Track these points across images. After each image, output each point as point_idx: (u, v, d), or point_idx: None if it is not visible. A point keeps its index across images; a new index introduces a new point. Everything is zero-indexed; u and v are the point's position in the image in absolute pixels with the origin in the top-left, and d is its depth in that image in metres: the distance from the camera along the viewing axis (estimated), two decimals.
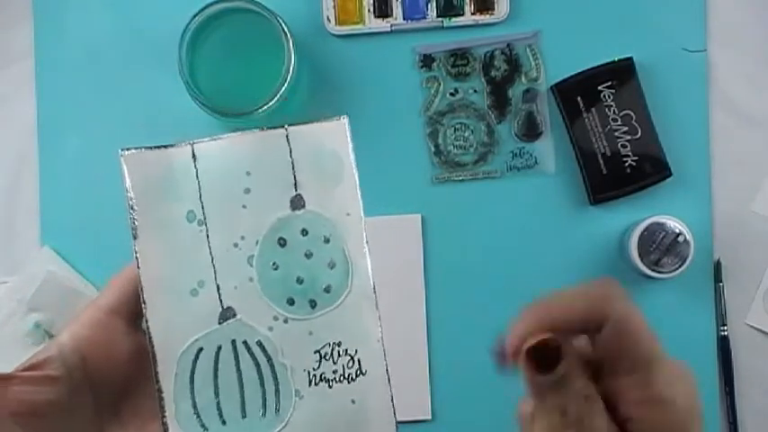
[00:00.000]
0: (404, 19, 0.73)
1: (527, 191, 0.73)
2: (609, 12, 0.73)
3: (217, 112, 0.67)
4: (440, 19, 0.73)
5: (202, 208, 0.43)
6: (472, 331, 0.73)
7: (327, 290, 0.43)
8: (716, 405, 0.72)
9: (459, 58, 0.73)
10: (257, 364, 0.43)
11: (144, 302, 0.42)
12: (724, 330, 0.72)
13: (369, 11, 0.73)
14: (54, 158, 0.75)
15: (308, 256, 0.43)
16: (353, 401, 0.43)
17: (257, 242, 0.43)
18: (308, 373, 0.43)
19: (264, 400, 0.43)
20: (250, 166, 0.43)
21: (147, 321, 0.42)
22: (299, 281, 0.43)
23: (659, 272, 0.68)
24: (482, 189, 0.74)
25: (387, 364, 0.44)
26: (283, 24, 0.67)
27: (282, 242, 0.43)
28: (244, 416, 0.42)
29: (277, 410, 0.43)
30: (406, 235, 0.73)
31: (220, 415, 0.42)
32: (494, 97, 0.73)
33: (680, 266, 0.68)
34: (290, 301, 0.43)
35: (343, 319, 0.43)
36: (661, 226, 0.68)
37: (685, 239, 0.68)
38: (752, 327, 0.73)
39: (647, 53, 0.72)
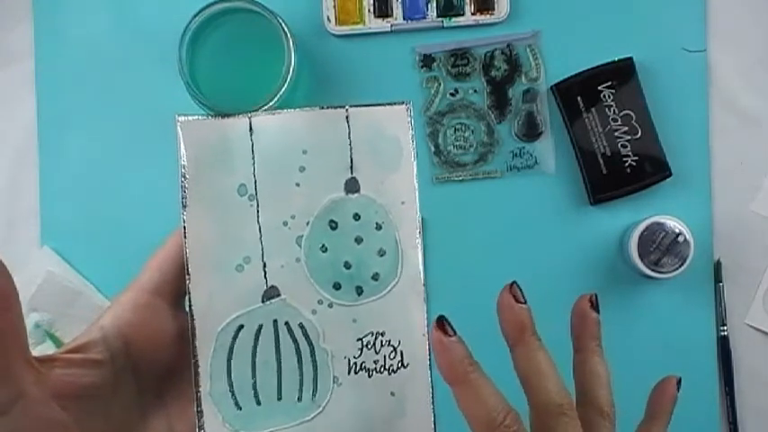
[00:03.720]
0: (404, 19, 0.73)
1: (527, 191, 0.73)
2: (609, 12, 0.73)
3: (217, 113, 0.67)
4: (440, 19, 0.73)
5: (255, 182, 0.42)
6: (472, 331, 0.73)
7: (375, 278, 0.42)
8: (716, 405, 0.72)
9: (459, 58, 0.73)
10: (298, 347, 0.42)
11: (188, 273, 0.41)
12: (724, 330, 0.72)
13: (369, 11, 0.73)
14: (54, 158, 0.75)
15: (359, 241, 0.42)
16: (393, 394, 0.42)
17: (308, 223, 0.42)
18: (349, 360, 0.42)
19: (302, 384, 0.42)
20: (307, 144, 0.42)
21: (189, 293, 0.41)
22: (347, 266, 0.42)
23: (659, 272, 0.68)
24: (482, 189, 0.74)
25: (430, 360, 0.43)
26: (283, 24, 0.67)
27: (333, 225, 0.42)
28: (279, 398, 0.42)
29: (314, 396, 0.42)
30: None
31: (255, 395, 0.41)
32: (494, 97, 0.73)
33: (680, 266, 0.68)
34: (337, 286, 0.42)
35: (388, 308, 0.42)
36: (661, 226, 0.68)
37: (685, 239, 0.68)
38: (752, 327, 0.73)
39: (647, 53, 0.73)
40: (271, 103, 0.66)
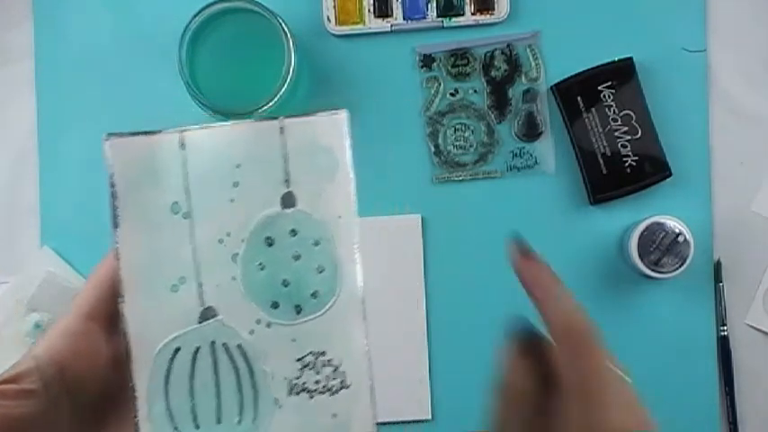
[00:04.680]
0: (404, 19, 0.73)
1: (527, 191, 0.73)
2: (609, 12, 0.73)
3: (217, 112, 0.67)
4: (440, 19, 0.73)
5: (188, 200, 0.40)
6: (472, 331, 0.73)
7: (314, 295, 0.41)
8: (716, 405, 0.72)
9: (459, 58, 0.73)
10: (236, 369, 0.41)
11: (121, 296, 0.40)
12: (724, 330, 0.72)
13: (369, 11, 0.73)
14: (54, 158, 0.75)
15: (296, 258, 0.41)
16: (334, 416, 0.41)
17: (243, 240, 0.41)
18: (289, 382, 0.41)
19: (241, 406, 0.41)
20: (241, 158, 0.40)
21: (123, 315, 0.40)
22: (285, 284, 0.41)
23: (659, 272, 0.68)
24: (482, 189, 0.74)
25: (372, 380, 0.41)
26: (283, 24, 0.67)
27: (270, 241, 0.41)
28: (218, 421, 0.41)
29: (254, 419, 0.41)
30: (407, 235, 0.73)
31: (194, 419, 0.40)
32: (494, 97, 0.73)
33: (680, 266, 0.68)
34: (275, 305, 0.41)
35: (328, 327, 0.41)
36: (661, 226, 0.68)
37: (685, 239, 0.68)
38: (752, 327, 0.73)
39: (647, 53, 0.72)
40: (271, 103, 0.66)
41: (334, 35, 0.74)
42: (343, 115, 0.41)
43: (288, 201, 0.41)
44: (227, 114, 0.67)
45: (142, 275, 0.40)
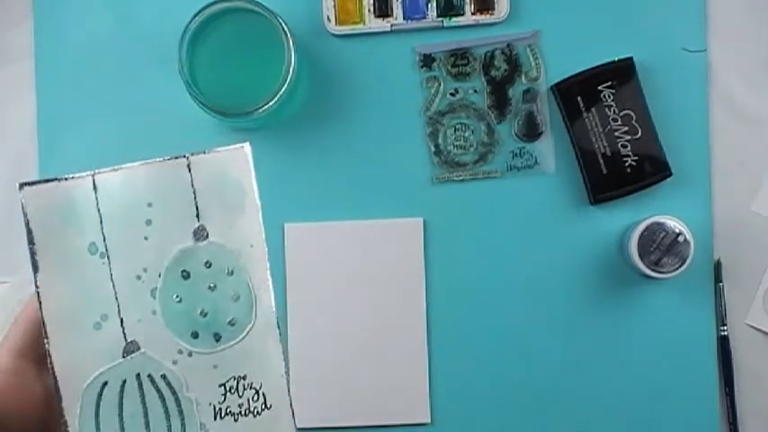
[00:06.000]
0: (404, 19, 0.73)
1: (527, 191, 0.73)
2: (609, 12, 0.73)
3: (217, 112, 0.67)
4: (440, 19, 0.73)
5: (104, 240, 0.42)
6: (472, 333, 0.73)
7: (232, 323, 0.43)
8: (716, 405, 0.72)
9: (459, 58, 0.73)
10: (162, 398, 0.42)
11: (46, 337, 0.41)
12: (724, 330, 0.72)
13: (369, 11, 0.73)
14: (54, 158, 0.75)
15: (212, 288, 0.43)
16: None
17: (160, 274, 0.42)
18: (214, 407, 0.42)
19: None
20: (152, 196, 0.42)
21: (50, 356, 0.41)
22: (203, 314, 0.43)
23: (659, 272, 0.68)
24: (482, 189, 0.74)
25: (291, 399, 0.43)
26: (283, 24, 0.67)
27: (186, 274, 0.42)
28: None
29: None
30: (408, 238, 0.73)
31: None
32: (494, 97, 0.73)
33: (680, 266, 0.68)
34: (195, 335, 0.42)
35: (247, 352, 0.43)
36: (661, 226, 0.68)
37: (685, 239, 0.68)
38: (752, 327, 0.73)
39: (647, 53, 0.72)
40: (271, 103, 0.66)
41: (334, 35, 0.74)
42: (246, 148, 0.43)
43: (200, 234, 0.43)
44: (227, 114, 0.67)
45: (65, 315, 0.41)
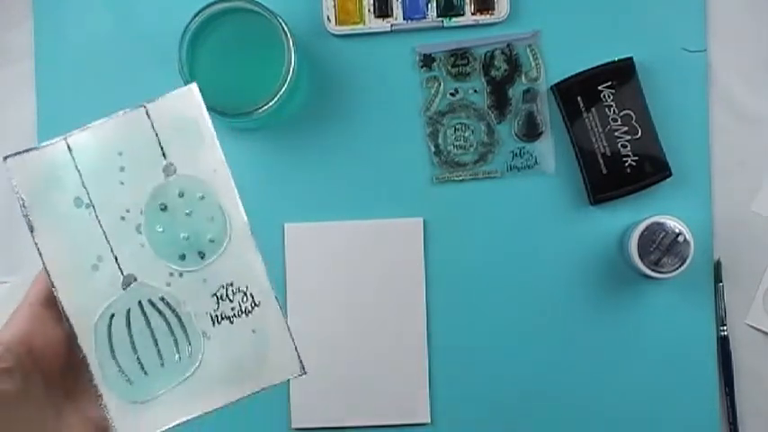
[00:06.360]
0: (404, 19, 0.73)
1: (527, 191, 0.73)
2: (609, 12, 0.73)
3: (217, 112, 0.67)
4: (440, 19, 0.73)
5: (87, 192, 0.48)
6: (472, 333, 0.73)
7: (212, 240, 0.48)
8: (716, 405, 0.72)
9: (459, 58, 0.73)
10: (164, 317, 0.48)
11: (53, 286, 0.47)
12: (724, 330, 0.72)
13: (369, 11, 0.73)
14: None
15: (189, 214, 0.48)
16: (254, 331, 0.48)
17: (141, 211, 0.48)
18: (210, 315, 0.48)
19: (177, 346, 0.48)
20: (121, 146, 0.48)
21: (59, 299, 0.47)
22: (186, 238, 0.48)
23: (659, 272, 0.68)
24: (482, 189, 0.74)
25: (275, 293, 0.49)
26: (283, 24, 0.67)
27: (163, 207, 0.48)
28: (162, 364, 0.48)
29: (190, 353, 0.48)
30: (408, 238, 0.73)
31: (142, 368, 0.48)
32: (494, 97, 0.73)
33: (680, 266, 0.68)
34: (182, 257, 0.48)
35: (230, 262, 0.48)
36: (661, 226, 0.68)
37: (685, 239, 0.68)
38: (752, 327, 0.73)
39: (647, 53, 0.73)
40: (271, 103, 0.67)
41: (334, 35, 0.74)
42: (194, 88, 0.49)
43: (169, 170, 0.48)
44: (227, 114, 0.67)
45: (65, 265, 0.47)
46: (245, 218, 0.48)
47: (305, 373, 0.48)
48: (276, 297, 0.49)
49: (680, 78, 0.73)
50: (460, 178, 0.74)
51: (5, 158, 0.47)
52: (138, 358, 0.48)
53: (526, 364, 0.73)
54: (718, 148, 0.73)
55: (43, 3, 0.75)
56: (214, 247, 0.48)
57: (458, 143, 0.73)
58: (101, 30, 0.75)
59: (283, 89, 0.67)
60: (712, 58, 0.74)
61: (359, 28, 0.73)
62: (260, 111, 0.66)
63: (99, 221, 0.48)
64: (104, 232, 0.48)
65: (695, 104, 0.73)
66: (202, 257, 0.48)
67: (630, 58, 0.72)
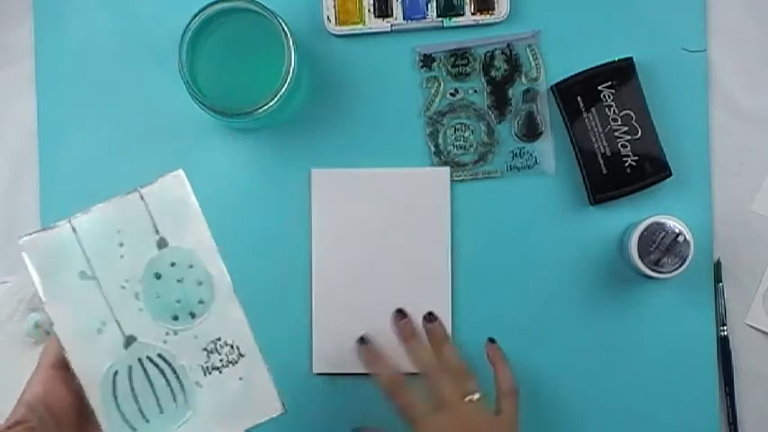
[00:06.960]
0: (404, 19, 0.73)
1: (527, 191, 0.73)
2: (609, 12, 0.73)
3: (217, 112, 0.67)
4: (440, 19, 0.73)
5: (90, 267, 0.54)
6: (472, 333, 0.73)
7: (201, 302, 0.55)
8: (716, 405, 0.72)
9: (459, 58, 0.73)
10: (162, 370, 0.54)
11: (63, 348, 0.53)
12: (724, 330, 0.72)
13: (369, 11, 0.73)
14: (54, 158, 0.75)
15: (180, 281, 0.55)
16: (241, 378, 0.55)
17: (139, 281, 0.54)
18: (202, 366, 0.55)
19: (174, 395, 0.54)
20: (119, 225, 0.54)
21: (69, 361, 0.53)
22: (178, 301, 0.54)
23: (659, 272, 0.68)
24: (482, 189, 0.74)
25: (257, 343, 0.55)
26: (283, 24, 0.67)
27: (158, 275, 0.54)
28: (161, 412, 0.54)
29: (185, 401, 0.54)
30: (435, 187, 0.73)
31: (143, 416, 0.54)
32: (494, 97, 0.73)
33: (680, 266, 0.68)
34: (175, 318, 0.54)
35: (216, 319, 0.55)
36: (661, 226, 0.68)
37: (685, 239, 0.68)
38: (752, 327, 0.73)
39: (647, 53, 0.72)
40: (271, 103, 0.66)
41: (334, 35, 0.74)
42: (181, 174, 0.55)
43: (162, 244, 0.55)
44: (227, 114, 0.67)
45: (73, 329, 0.54)
46: (229, 280, 0.55)
47: (285, 411, 0.55)
48: (257, 345, 0.55)
49: (680, 78, 0.73)
50: (460, 178, 0.74)
51: (20, 239, 0.54)
52: (139, 408, 0.54)
53: (526, 363, 0.73)
54: (719, 148, 0.73)
55: (43, 3, 0.75)
56: (203, 307, 0.55)
57: (458, 143, 0.73)
58: (101, 30, 0.75)
59: (283, 89, 0.67)
60: (712, 58, 0.74)
61: (359, 28, 0.73)
62: (260, 111, 0.66)
63: (102, 291, 0.54)
64: (107, 300, 0.54)
65: (695, 104, 0.73)
66: (193, 317, 0.55)
67: (630, 58, 0.72)
